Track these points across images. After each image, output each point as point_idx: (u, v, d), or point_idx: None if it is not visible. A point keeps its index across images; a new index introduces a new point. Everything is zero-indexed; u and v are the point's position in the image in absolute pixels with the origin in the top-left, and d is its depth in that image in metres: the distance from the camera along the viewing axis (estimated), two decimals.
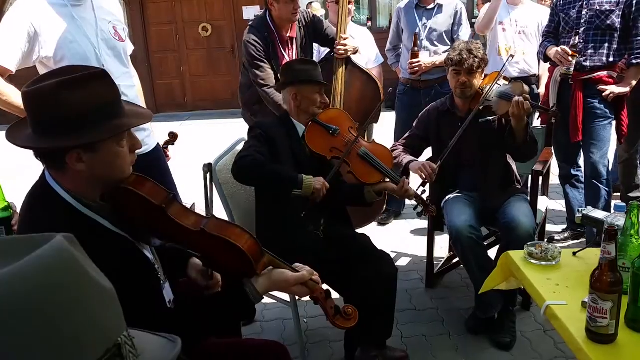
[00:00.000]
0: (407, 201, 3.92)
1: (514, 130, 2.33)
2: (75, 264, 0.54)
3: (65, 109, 1.09)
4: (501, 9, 3.62)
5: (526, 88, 2.45)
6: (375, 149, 2.26)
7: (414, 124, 2.72)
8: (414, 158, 2.57)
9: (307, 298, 2.64)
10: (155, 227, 1.26)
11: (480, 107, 2.42)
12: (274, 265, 1.32)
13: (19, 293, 0.48)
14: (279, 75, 2.83)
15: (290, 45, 2.92)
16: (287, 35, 2.90)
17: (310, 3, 4.56)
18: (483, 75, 2.51)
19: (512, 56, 3.12)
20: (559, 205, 3.66)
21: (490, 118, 2.44)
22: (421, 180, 2.42)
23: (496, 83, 2.47)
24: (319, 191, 1.98)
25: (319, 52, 3.45)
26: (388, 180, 2.18)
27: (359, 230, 2.43)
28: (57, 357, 0.49)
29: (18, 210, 1.80)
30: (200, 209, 1.38)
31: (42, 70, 2.07)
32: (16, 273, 0.49)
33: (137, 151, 1.27)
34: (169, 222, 1.22)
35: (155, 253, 1.36)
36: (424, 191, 2.32)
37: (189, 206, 1.34)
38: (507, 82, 2.54)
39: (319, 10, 4.49)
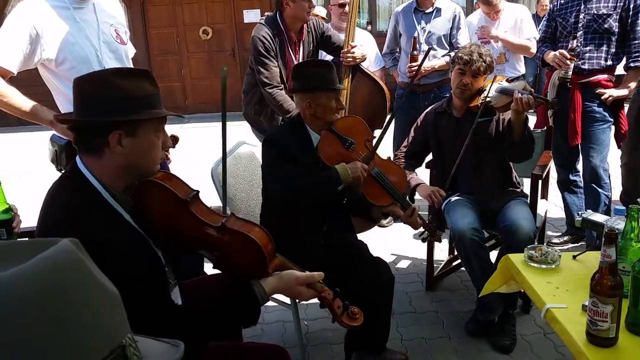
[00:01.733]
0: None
1: (513, 125, 2.34)
2: (81, 266, 0.55)
3: (116, 90, 1.20)
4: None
5: (528, 86, 2.46)
6: (389, 169, 2.14)
7: (412, 130, 2.72)
8: (421, 181, 2.58)
9: (307, 301, 2.65)
10: (173, 223, 1.29)
11: (480, 104, 2.42)
12: (284, 268, 1.35)
13: (27, 291, 0.49)
14: (284, 75, 2.85)
15: (297, 48, 2.91)
16: (296, 37, 2.90)
17: (312, 6, 4.57)
18: (483, 80, 2.52)
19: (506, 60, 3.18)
20: (559, 208, 3.66)
21: (490, 118, 2.46)
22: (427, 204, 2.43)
23: (498, 83, 2.48)
24: (359, 177, 1.97)
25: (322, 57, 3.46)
26: (398, 204, 2.10)
27: (360, 236, 2.42)
28: (62, 356, 0.49)
29: (19, 213, 1.81)
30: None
31: (43, 73, 2.08)
32: (25, 272, 0.49)
33: None
34: (190, 217, 1.26)
35: (166, 257, 1.38)
36: (431, 220, 2.29)
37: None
38: (507, 83, 2.56)
39: (321, 13, 4.50)
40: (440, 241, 2.45)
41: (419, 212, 2.20)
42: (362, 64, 3.25)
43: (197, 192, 1.33)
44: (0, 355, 0.46)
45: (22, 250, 0.54)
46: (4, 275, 0.49)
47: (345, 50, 2.84)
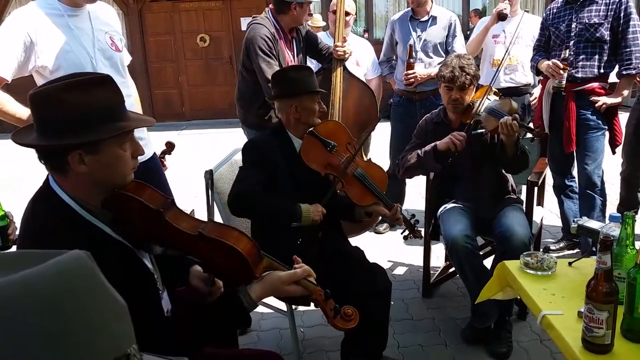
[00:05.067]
0: (403, 211, 3.93)
1: (505, 145, 2.36)
2: (92, 273, 0.56)
3: (67, 109, 1.12)
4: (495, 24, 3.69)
5: (514, 105, 2.45)
6: (371, 169, 2.18)
7: (414, 134, 2.73)
8: (431, 145, 2.49)
9: (304, 308, 2.64)
10: (155, 233, 1.26)
11: (471, 122, 2.44)
12: (273, 268, 1.30)
13: (37, 292, 0.50)
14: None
15: (291, 45, 2.99)
16: (290, 35, 2.98)
17: (311, 14, 4.60)
18: (475, 90, 2.54)
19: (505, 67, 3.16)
20: (555, 215, 3.67)
21: (482, 131, 2.47)
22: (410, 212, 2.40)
23: (486, 98, 2.49)
24: (316, 222, 1.96)
25: (315, 68, 3.50)
26: (381, 203, 2.13)
27: (353, 240, 2.41)
28: (66, 359, 0.50)
29: (15, 219, 1.81)
30: (200, 216, 1.38)
31: (38, 80, 2.08)
32: (37, 274, 0.51)
33: None
34: (168, 226, 1.22)
35: (155, 262, 1.36)
36: (413, 216, 2.29)
37: (188, 212, 1.34)
38: (496, 98, 2.57)
39: (319, 22, 4.53)
40: (420, 237, 2.44)
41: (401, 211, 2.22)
42: (359, 72, 3.30)
43: (172, 200, 1.29)
44: (9, 353, 0.47)
45: (35, 258, 0.55)
46: (16, 276, 0.50)
47: (338, 44, 3.07)
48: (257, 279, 1.27)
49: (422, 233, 2.37)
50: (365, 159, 2.28)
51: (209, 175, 1.86)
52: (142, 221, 1.24)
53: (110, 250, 1.18)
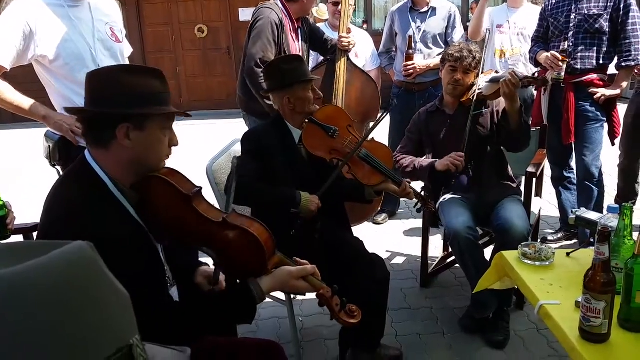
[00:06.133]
0: (402, 201, 3.95)
1: (509, 114, 2.38)
2: (94, 264, 0.57)
3: (121, 86, 1.22)
4: (500, 13, 3.66)
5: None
6: (375, 149, 2.19)
7: (407, 129, 2.74)
8: (432, 159, 2.54)
9: (302, 297, 2.65)
10: (177, 221, 1.30)
11: (473, 98, 2.47)
12: (283, 264, 1.35)
13: (43, 283, 0.50)
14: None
15: (297, 34, 3.01)
16: (297, 24, 3.00)
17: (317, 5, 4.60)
18: (474, 77, 2.56)
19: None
20: (553, 206, 3.69)
21: (483, 110, 2.49)
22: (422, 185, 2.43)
23: (487, 75, 2.55)
24: (312, 212, 1.98)
25: (317, 58, 3.49)
26: (389, 181, 2.16)
27: (354, 229, 2.42)
28: (69, 348, 0.51)
29: (13, 210, 1.81)
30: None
31: (38, 69, 2.08)
32: (41, 265, 0.51)
33: None
34: (192, 213, 1.27)
35: (164, 257, 1.38)
36: (422, 189, 2.32)
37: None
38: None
39: (325, 14, 4.51)
40: (434, 209, 2.46)
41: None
42: (358, 63, 3.30)
43: (200, 188, 1.34)
44: (12, 344, 0.48)
45: (38, 249, 0.55)
46: (20, 267, 0.50)
47: (343, 35, 3.12)
48: (267, 272, 1.31)
49: (434, 206, 2.43)
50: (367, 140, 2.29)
51: (237, 160, 1.83)
52: (167, 206, 1.29)
53: (132, 231, 1.23)
